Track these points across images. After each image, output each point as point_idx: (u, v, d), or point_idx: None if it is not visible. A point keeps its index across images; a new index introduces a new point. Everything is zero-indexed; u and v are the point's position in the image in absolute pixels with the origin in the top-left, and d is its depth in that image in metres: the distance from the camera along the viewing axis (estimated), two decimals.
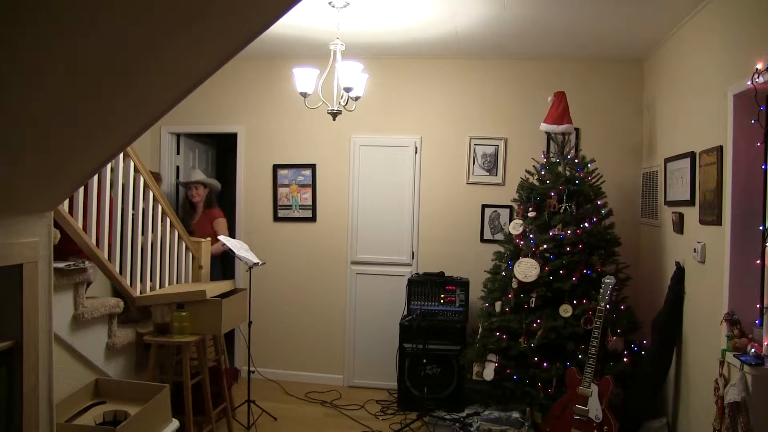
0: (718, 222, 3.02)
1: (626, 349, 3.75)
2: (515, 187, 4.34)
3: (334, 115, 3.82)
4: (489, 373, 3.89)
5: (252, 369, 4.43)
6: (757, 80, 2.56)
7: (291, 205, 5.05)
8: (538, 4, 3.59)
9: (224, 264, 5.08)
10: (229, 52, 1.53)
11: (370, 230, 4.96)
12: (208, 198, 4.85)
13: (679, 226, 3.64)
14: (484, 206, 4.86)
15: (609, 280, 3.64)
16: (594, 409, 3.43)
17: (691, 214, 3.45)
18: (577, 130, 4.59)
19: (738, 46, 2.92)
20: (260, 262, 4.13)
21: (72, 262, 2.86)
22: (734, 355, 2.64)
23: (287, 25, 4.07)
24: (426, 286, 4.52)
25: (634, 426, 3.61)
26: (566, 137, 4.23)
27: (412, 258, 4.94)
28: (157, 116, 1.75)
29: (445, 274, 4.67)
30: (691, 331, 3.45)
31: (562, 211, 3.97)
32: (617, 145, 4.70)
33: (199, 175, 4.88)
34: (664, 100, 4.15)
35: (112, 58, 1.32)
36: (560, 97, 4.20)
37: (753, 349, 2.57)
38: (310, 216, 5.04)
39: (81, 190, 2.88)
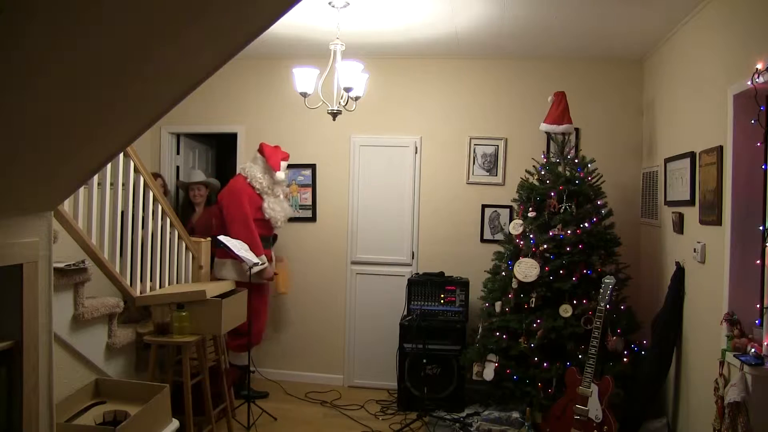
0: (718, 222, 3.02)
1: (626, 349, 3.75)
2: (515, 187, 4.34)
3: (334, 115, 3.83)
4: (489, 373, 3.89)
5: (252, 369, 4.43)
6: (757, 80, 2.56)
7: (291, 205, 5.05)
8: (538, 4, 3.59)
9: None
10: (229, 52, 1.53)
11: (370, 230, 4.96)
12: (208, 197, 4.87)
13: (679, 226, 3.64)
14: (484, 206, 4.86)
15: (609, 280, 3.64)
16: (594, 409, 3.43)
17: (691, 214, 3.45)
18: (577, 130, 4.59)
19: (738, 45, 2.92)
20: (260, 262, 4.12)
21: (72, 262, 2.86)
22: (734, 355, 2.64)
23: (287, 25, 4.07)
24: (426, 286, 4.52)
25: (634, 426, 3.61)
26: (566, 137, 4.23)
27: (412, 258, 4.94)
28: (157, 116, 1.75)
29: (445, 274, 4.67)
30: (691, 331, 3.45)
31: (562, 211, 3.97)
32: (617, 145, 4.70)
33: (200, 176, 4.88)
34: (664, 100, 4.15)
35: (112, 58, 1.32)
36: (560, 97, 4.20)
37: (753, 349, 2.57)
38: (310, 216, 5.05)
39: (81, 189, 2.88)
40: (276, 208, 4.47)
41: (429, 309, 4.48)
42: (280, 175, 4.50)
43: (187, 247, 4.02)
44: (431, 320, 4.41)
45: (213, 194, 4.93)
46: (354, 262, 4.99)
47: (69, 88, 1.35)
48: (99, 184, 3.11)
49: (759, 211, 2.75)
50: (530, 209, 4.07)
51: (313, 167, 5.03)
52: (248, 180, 4.42)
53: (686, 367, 3.48)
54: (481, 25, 4.01)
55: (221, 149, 6.06)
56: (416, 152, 4.93)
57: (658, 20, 3.74)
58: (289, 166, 5.06)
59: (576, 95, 4.46)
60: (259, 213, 4.41)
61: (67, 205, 2.83)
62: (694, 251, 3.34)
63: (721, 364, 2.78)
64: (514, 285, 3.91)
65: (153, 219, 3.59)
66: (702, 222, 3.27)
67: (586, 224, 3.89)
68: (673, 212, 3.76)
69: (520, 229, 4.07)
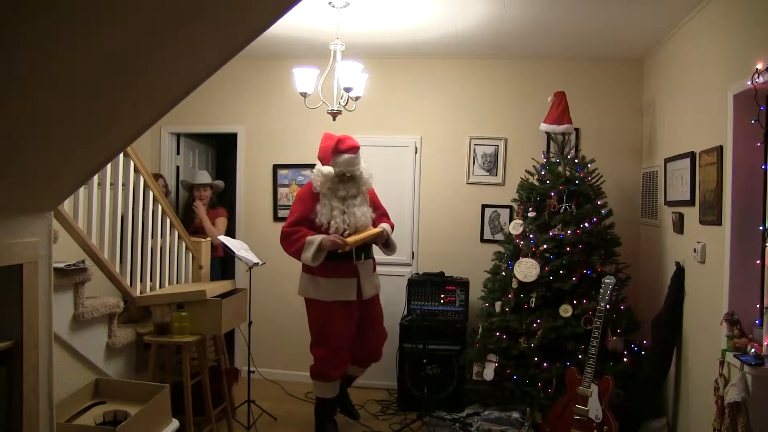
0: (718, 222, 3.02)
1: (626, 349, 3.75)
2: (515, 187, 4.34)
3: (334, 115, 3.82)
4: (489, 373, 3.89)
5: (252, 369, 4.42)
6: (757, 80, 2.56)
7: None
8: (538, 4, 3.59)
9: (224, 264, 5.08)
10: (229, 52, 1.53)
11: None
12: (211, 198, 4.88)
13: (679, 226, 3.64)
14: (484, 206, 4.86)
15: (609, 280, 3.64)
16: (594, 409, 3.43)
17: (691, 214, 3.45)
18: (577, 130, 4.58)
19: (738, 45, 2.92)
20: (260, 262, 4.12)
21: (72, 262, 2.86)
22: (734, 355, 2.64)
23: (287, 25, 4.07)
24: (426, 286, 4.52)
25: (634, 426, 3.61)
26: (566, 137, 4.23)
27: (412, 258, 4.94)
28: (157, 116, 1.75)
29: (445, 274, 4.67)
30: (691, 331, 3.44)
31: (562, 211, 3.97)
32: (617, 145, 4.70)
33: (206, 178, 4.88)
34: (664, 100, 4.15)
35: (112, 58, 1.32)
36: (560, 97, 4.20)
37: (753, 349, 2.57)
38: None
39: (81, 189, 2.88)
40: (323, 211, 3.63)
41: (429, 309, 4.47)
42: (325, 169, 3.63)
43: (187, 247, 4.02)
44: (431, 320, 4.40)
45: (215, 196, 4.94)
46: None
47: (69, 88, 1.35)
48: (99, 184, 3.12)
49: (759, 211, 2.75)
50: (530, 209, 4.07)
51: (313, 167, 5.00)
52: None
53: (686, 367, 3.48)
54: (482, 25, 4.01)
55: (221, 149, 6.06)
56: (416, 152, 4.93)
57: (658, 20, 3.74)
58: (289, 167, 5.05)
59: (576, 95, 4.46)
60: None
61: (67, 205, 2.83)
62: (694, 251, 3.34)
63: (721, 364, 2.78)
64: (514, 285, 3.91)
65: (153, 219, 3.58)
66: (702, 222, 3.27)
67: (586, 224, 3.89)
68: (673, 212, 3.76)
69: (520, 229, 4.07)
